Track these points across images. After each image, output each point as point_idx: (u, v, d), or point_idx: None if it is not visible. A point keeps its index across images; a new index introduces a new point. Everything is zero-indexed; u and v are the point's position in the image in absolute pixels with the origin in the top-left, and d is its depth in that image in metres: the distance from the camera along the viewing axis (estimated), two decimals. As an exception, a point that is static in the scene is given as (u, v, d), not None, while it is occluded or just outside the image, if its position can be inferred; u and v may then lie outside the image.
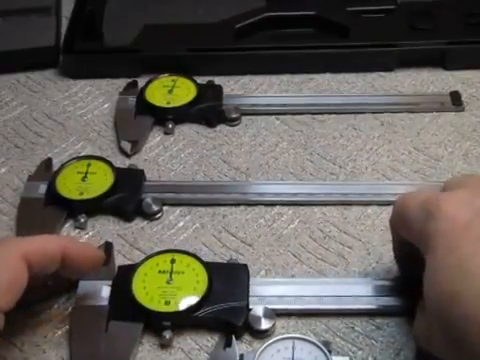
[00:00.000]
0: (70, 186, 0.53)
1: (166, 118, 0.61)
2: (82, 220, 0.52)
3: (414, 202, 0.40)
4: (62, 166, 0.55)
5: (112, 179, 0.54)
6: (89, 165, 0.55)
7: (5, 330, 0.40)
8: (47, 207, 0.53)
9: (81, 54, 0.66)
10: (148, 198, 0.53)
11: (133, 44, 0.66)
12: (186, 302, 0.45)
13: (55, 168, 0.56)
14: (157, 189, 0.54)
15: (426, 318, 0.39)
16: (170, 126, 0.60)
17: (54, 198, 0.53)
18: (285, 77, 0.66)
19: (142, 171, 0.55)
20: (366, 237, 0.51)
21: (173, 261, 0.47)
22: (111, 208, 0.53)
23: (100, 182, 0.54)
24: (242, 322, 0.45)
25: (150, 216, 0.53)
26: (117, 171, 0.54)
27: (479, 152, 0.57)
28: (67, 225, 0.53)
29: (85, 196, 0.53)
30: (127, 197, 0.53)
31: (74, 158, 0.56)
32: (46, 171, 0.56)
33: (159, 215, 0.53)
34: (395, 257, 0.47)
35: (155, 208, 0.53)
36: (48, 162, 0.57)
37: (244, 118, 0.61)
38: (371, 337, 0.45)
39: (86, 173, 0.54)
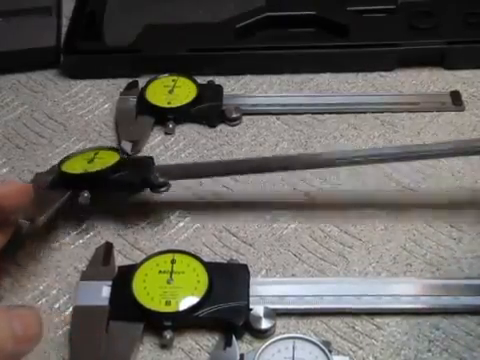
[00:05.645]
0: (76, 167, 0.52)
1: (167, 118, 0.61)
2: (85, 195, 0.51)
3: None
4: (68, 156, 0.55)
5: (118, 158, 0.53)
6: (96, 154, 0.54)
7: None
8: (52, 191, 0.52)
9: (82, 54, 0.66)
10: (157, 173, 0.51)
11: (133, 44, 0.66)
12: (187, 302, 0.45)
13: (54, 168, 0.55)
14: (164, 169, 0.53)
15: None
16: (171, 126, 0.60)
17: (60, 182, 0.52)
18: (285, 77, 0.66)
19: (151, 158, 0.54)
20: (366, 237, 0.51)
21: (173, 261, 0.47)
22: (117, 184, 0.52)
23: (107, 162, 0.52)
24: (243, 322, 0.45)
25: (157, 188, 0.51)
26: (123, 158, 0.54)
27: (479, 152, 0.57)
28: (69, 224, 0.53)
29: (90, 170, 0.51)
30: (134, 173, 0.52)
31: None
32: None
33: (165, 188, 0.51)
34: None
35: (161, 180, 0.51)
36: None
37: (244, 118, 0.61)
38: (371, 337, 0.45)
39: (93, 159, 0.54)
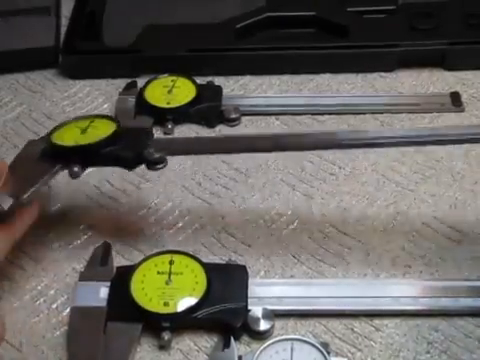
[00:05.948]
0: (68, 137, 0.50)
1: (166, 118, 0.60)
2: (75, 169, 0.48)
3: None
4: (61, 124, 0.52)
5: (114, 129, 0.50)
6: (92, 122, 0.52)
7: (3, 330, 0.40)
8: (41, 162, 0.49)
9: (81, 54, 0.66)
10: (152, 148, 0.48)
11: (133, 44, 0.66)
12: (185, 303, 0.45)
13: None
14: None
15: None
16: (170, 126, 0.60)
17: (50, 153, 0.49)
18: (285, 77, 0.66)
19: (150, 130, 0.52)
20: (365, 238, 0.51)
21: (172, 262, 0.47)
22: (109, 159, 0.49)
23: (101, 133, 0.50)
24: (241, 323, 0.44)
25: (153, 164, 0.48)
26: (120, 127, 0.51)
27: (478, 152, 0.57)
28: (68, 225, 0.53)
29: (82, 142, 0.48)
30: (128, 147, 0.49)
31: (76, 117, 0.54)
32: None
33: (162, 165, 0.48)
34: None
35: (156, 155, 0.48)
36: None
37: (244, 118, 0.61)
38: (370, 338, 0.45)
39: (87, 128, 0.51)
